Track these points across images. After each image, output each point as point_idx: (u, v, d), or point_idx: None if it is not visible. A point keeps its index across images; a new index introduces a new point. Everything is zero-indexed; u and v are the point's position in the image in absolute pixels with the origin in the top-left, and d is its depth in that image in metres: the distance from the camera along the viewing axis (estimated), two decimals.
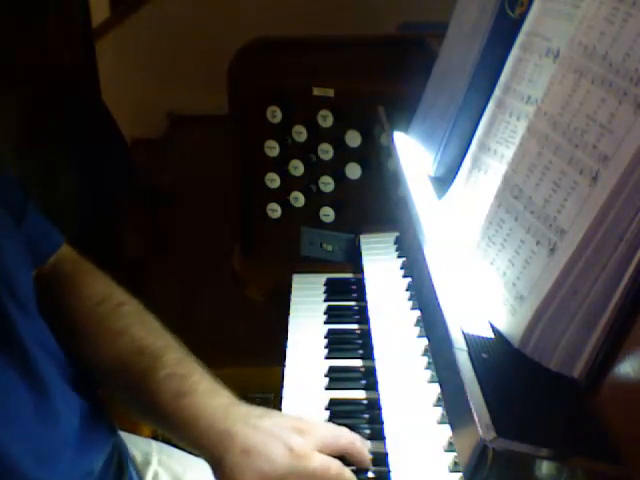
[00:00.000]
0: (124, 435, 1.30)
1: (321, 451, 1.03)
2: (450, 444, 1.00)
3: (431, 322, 1.02)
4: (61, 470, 1.03)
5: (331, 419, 1.22)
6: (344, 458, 1.06)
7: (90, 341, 1.15)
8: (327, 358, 1.40)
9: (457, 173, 1.18)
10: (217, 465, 1.01)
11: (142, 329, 1.15)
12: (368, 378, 1.30)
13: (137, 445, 1.35)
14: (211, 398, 1.06)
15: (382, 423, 1.11)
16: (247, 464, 0.99)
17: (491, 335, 0.87)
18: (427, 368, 1.18)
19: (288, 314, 1.55)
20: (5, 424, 0.97)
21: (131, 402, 1.13)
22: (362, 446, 1.08)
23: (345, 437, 1.07)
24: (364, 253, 1.62)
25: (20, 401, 1.00)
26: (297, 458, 1.00)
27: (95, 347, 1.15)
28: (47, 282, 1.16)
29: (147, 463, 1.32)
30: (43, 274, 1.19)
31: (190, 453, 1.31)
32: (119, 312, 1.17)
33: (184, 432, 1.05)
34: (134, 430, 1.46)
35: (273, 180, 1.83)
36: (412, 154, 1.37)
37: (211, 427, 1.02)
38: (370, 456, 1.08)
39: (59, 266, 1.21)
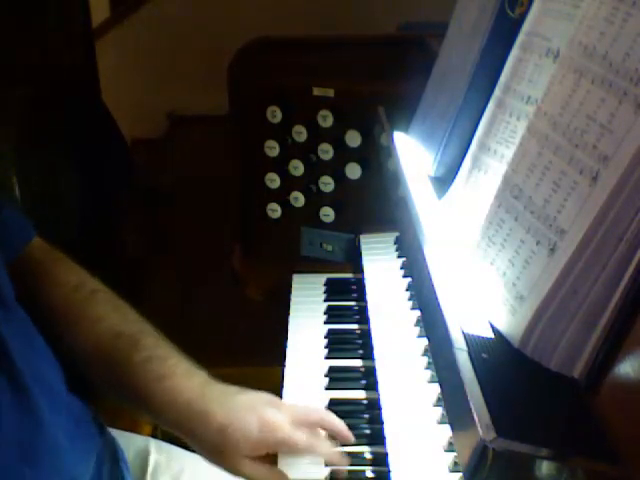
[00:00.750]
0: (119, 433, 1.29)
1: (293, 424, 1.07)
2: (450, 444, 1.00)
3: (431, 322, 1.02)
4: (46, 472, 1.01)
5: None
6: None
7: (69, 329, 1.17)
8: (327, 358, 1.40)
9: (457, 173, 1.18)
10: (198, 442, 1.07)
11: (118, 315, 1.17)
12: (368, 378, 1.30)
13: (134, 443, 1.35)
14: (189, 380, 1.09)
15: (382, 423, 1.11)
16: (224, 439, 1.04)
17: (491, 335, 0.87)
18: (427, 368, 1.18)
19: (288, 314, 1.55)
20: None
21: (111, 387, 1.15)
22: (334, 421, 1.12)
23: (316, 412, 1.13)
24: (364, 253, 1.62)
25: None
26: (269, 428, 1.05)
27: (74, 334, 1.16)
28: (20, 271, 1.17)
29: (145, 462, 1.32)
30: (16, 264, 1.19)
31: (187, 449, 1.33)
32: (94, 299, 1.19)
33: (164, 414, 1.08)
34: (132, 428, 1.46)
35: (273, 180, 1.83)
36: (412, 154, 1.37)
37: (189, 408, 1.06)
38: (350, 433, 1.12)
39: (31, 255, 1.22)
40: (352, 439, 1.12)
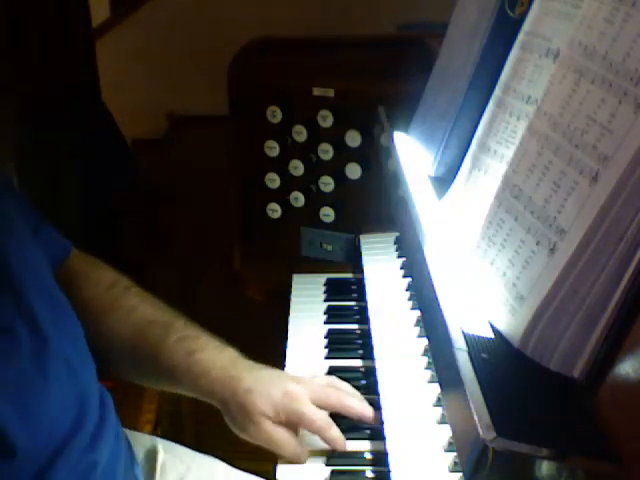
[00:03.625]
0: (127, 432, 1.30)
1: (313, 403, 1.15)
2: (450, 444, 1.00)
3: (431, 322, 1.02)
4: (66, 455, 1.05)
5: (331, 418, 1.23)
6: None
7: (106, 320, 1.27)
8: (327, 358, 1.40)
9: (457, 173, 1.18)
10: (226, 405, 1.17)
11: (150, 306, 1.29)
12: (368, 378, 1.30)
13: (142, 443, 1.36)
14: (220, 352, 1.22)
15: (382, 423, 1.11)
16: (250, 400, 1.15)
17: (491, 335, 0.87)
18: (427, 368, 1.18)
19: (288, 314, 1.55)
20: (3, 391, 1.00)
21: (146, 370, 1.27)
22: (353, 403, 1.19)
23: (336, 395, 1.19)
24: (364, 253, 1.62)
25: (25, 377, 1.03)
26: (290, 399, 1.15)
27: (110, 324, 1.27)
28: (61, 281, 1.23)
29: (154, 461, 1.33)
30: (58, 275, 1.26)
31: (192, 449, 1.37)
32: (128, 293, 1.31)
33: (198, 384, 1.20)
34: (138, 428, 1.46)
35: (273, 180, 1.83)
36: (412, 154, 1.37)
37: (221, 375, 1.18)
38: (370, 413, 1.18)
39: (69, 265, 1.33)
40: (372, 416, 1.18)
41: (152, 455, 1.34)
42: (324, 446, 1.16)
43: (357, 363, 1.38)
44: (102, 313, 1.28)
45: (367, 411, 1.18)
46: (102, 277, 1.34)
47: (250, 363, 1.21)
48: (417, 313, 1.30)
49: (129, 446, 1.26)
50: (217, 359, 1.20)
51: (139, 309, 1.28)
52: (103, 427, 1.13)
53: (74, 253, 1.35)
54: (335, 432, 1.15)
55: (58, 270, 1.27)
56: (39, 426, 1.03)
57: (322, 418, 1.15)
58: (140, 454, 1.33)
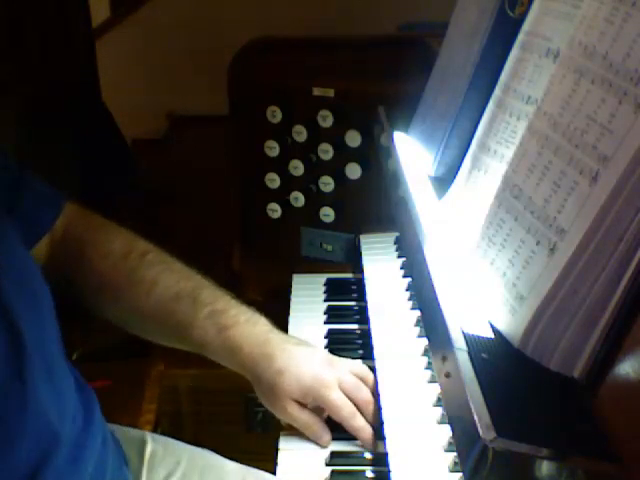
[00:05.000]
0: (115, 428, 1.28)
1: (342, 390, 1.16)
2: (450, 444, 1.00)
3: (431, 322, 1.02)
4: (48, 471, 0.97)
5: (331, 418, 1.23)
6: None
7: (125, 296, 1.21)
8: None
9: (457, 173, 1.18)
10: (257, 381, 1.17)
11: (172, 275, 1.22)
12: None
13: (130, 435, 1.33)
14: (252, 326, 1.19)
15: (382, 423, 1.11)
16: (280, 381, 1.15)
17: (491, 335, 0.87)
18: (427, 368, 1.18)
19: (288, 314, 1.55)
20: None
21: (175, 342, 1.25)
22: (371, 410, 1.17)
23: (367, 392, 1.18)
24: (364, 253, 1.62)
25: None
26: (320, 385, 1.15)
27: (130, 300, 1.21)
28: (63, 249, 1.19)
29: (142, 452, 1.29)
30: (56, 241, 1.21)
31: (183, 442, 1.35)
32: (146, 262, 1.23)
33: (231, 359, 1.19)
34: (138, 428, 1.46)
35: (273, 180, 1.83)
36: (412, 154, 1.37)
37: (253, 351, 1.17)
38: (369, 438, 1.16)
39: (70, 230, 1.24)
40: (368, 441, 1.16)
41: (141, 449, 1.30)
42: None
43: None
44: (120, 289, 1.21)
45: (367, 435, 1.16)
46: (114, 244, 1.24)
47: (283, 337, 1.21)
48: (417, 313, 1.30)
49: (118, 445, 1.21)
50: (250, 335, 1.18)
51: (160, 282, 1.21)
52: (87, 436, 1.06)
53: (73, 212, 1.25)
54: (360, 421, 1.15)
55: (55, 236, 1.19)
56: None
57: (348, 406, 1.15)
58: (129, 450, 1.28)
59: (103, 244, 1.24)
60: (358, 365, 1.24)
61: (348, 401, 1.16)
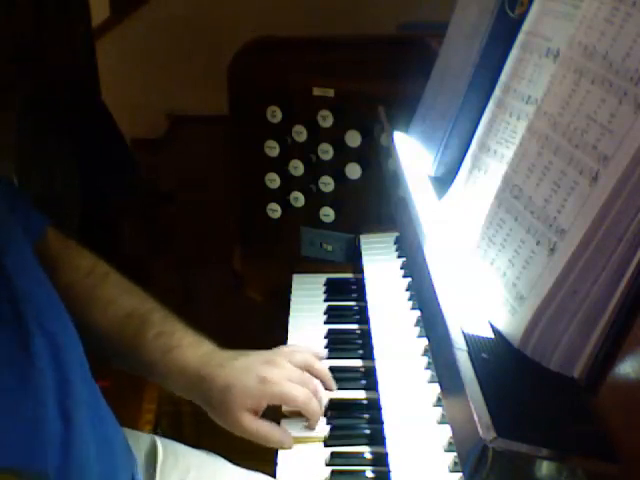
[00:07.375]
0: (127, 432, 1.29)
1: (291, 380, 1.19)
2: (450, 444, 1.00)
3: (431, 322, 1.02)
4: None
5: (331, 419, 1.23)
6: None
7: (84, 311, 1.26)
8: (327, 358, 1.40)
9: (457, 173, 1.18)
10: (207, 402, 1.20)
11: (128, 296, 1.29)
12: (368, 378, 1.30)
13: (142, 441, 1.35)
14: (195, 349, 1.22)
15: (382, 423, 1.11)
16: (228, 396, 1.16)
17: (491, 335, 0.87)
18: (427, 368, 1.18)
19: (288, 314, 1.55)
20: None
21: (125, 361, 1.28)
22: (315, 406, 1.20)
23: (313, 386, 1.22)
24: (364, 253, 1.62)
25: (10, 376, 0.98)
26: (268, 384, 1.17)
27: (89, 315, 1.27)
28: (41, 263, 1.21)
29: (154, 459, 1.32)
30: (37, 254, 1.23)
31: (192, 447, 1.38)
32: (107, 281, 1.31)
33: (175, 381, 1.22)
34: (138, 428, 1.46)
35: (273, 180, 1.83)
36: (412, 154, 1.37)
37: (196, 374, 1.19)
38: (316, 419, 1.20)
39: (48, 246, 1.31)
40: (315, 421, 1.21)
41: (152, 455, 1.33)
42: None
43: (357, 363, 1.38)
44: (80, 303, 1.27)
45: (318, 417, 1.20)
46: (79, 262, 1.32)
47: (223, 356, 1.22)
48: (417, 313, 1.31)
49: (128, 449, 1.23)
50: (192, 357, 1.21)
51: (117, 301, 1.28)
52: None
53: (52, 232, 1.33)
54: (315, 405, 1.19)
55: (37, 247, 1.24)
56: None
57: (303, 393, 1.18)
58: (140, 455, 1.31)
59: (71, 261, 1.32)
60: (300, 355, 1.27)
61: (301, 387, 1.19)
